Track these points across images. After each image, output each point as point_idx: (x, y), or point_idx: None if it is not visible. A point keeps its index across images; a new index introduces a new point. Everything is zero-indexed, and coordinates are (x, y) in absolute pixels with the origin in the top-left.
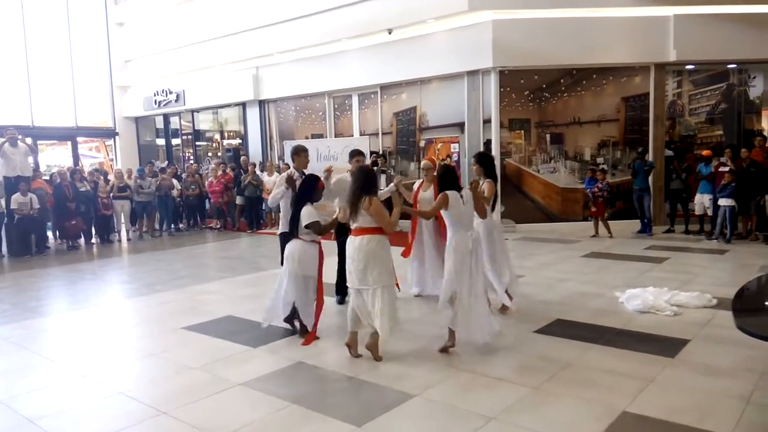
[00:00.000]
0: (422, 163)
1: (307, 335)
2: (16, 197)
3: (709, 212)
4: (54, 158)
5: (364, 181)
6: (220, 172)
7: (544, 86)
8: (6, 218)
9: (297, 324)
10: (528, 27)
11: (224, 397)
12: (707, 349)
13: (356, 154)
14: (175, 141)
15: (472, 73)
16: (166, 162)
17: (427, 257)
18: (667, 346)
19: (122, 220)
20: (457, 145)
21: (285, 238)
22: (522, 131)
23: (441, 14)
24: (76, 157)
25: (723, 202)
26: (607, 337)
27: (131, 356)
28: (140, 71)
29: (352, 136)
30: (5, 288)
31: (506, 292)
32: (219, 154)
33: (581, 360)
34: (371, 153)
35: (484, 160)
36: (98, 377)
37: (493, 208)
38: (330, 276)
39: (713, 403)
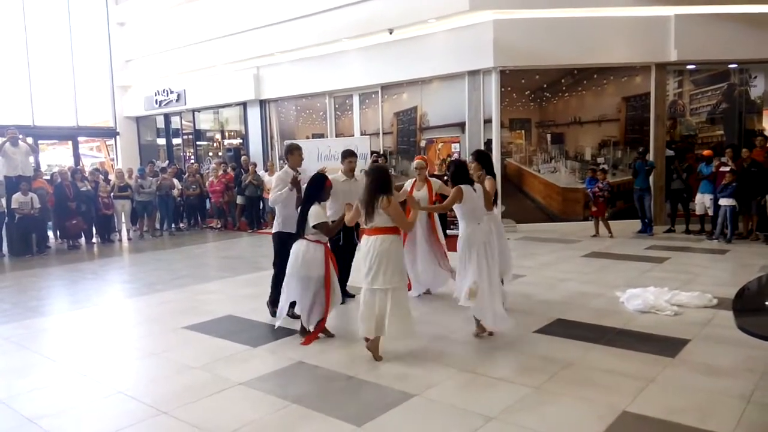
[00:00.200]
0: (415, 162)
1: (308, 335)
2: (17, 197)
3: (710, 212)
4: (55, 158)
5: (380, 180)
6: (220, 172)
7: (545, 86)
8: (7, 218)
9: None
10: (529, 27)
11: (224, 396)
12: (708, 348)
13: (348, 154)
14: (176, 141)
15: (472, 73)
16: (167, 162)
17: (419, 256)
18: (667, 345)
19: (123, 220)
20: (457, 145)
21: (279, 238)
22: (523, 131)
23: (442, 14)
24: (76, 157)
25: (724, 202)
26: (607, 336)
27: (132, 356)
28: (141, 71)
29: (353, 135)
30: (6, 287)
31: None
32: (220, 153)
33: (582, 360)
34: (372, 153)
35: (482, 157)
36: (99, 377)
37: (495, 204)
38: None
39: (714, 402)
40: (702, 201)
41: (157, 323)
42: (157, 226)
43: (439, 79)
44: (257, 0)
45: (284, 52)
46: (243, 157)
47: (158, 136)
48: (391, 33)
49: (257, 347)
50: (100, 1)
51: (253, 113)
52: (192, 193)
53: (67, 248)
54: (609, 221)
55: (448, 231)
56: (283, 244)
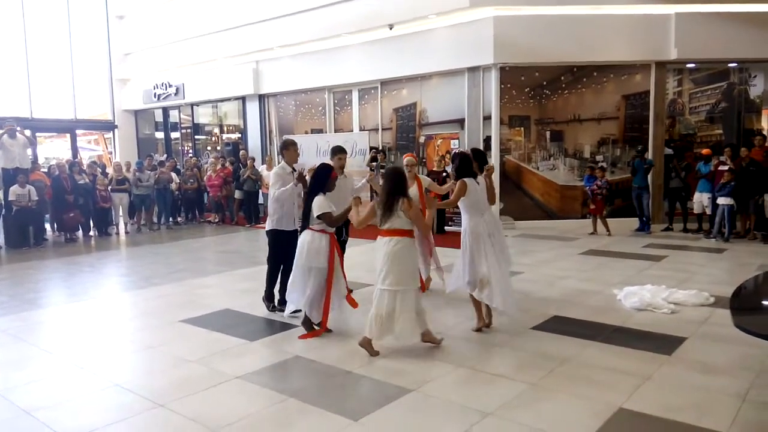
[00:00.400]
0: (405, 159)
1: (310, 331)
2: (15, 189)
3: (708, 211)
4: (53, 150)
5: (398, 181)
6: (219, 166)
7: (545, 83)
8: (4, 210)
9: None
10: (529, 24)
11: (221, 390)
12: (704, 347)
13: (338, 151)
14: (174, 134)
15: (472, 70)
16: (165, 155)
17: None
18: (664, 343)
19: (120, 213)
20: (457, 141)
21: (273, 236)
22: (522, 128)
23: (442, 10)
24: (74, 150)
25: (722, 200)
26: (604, 334)
27: (128, 349)
28: (140, 64)
29: (352, 131)
30: (3, 280)
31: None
32: (218, 148)
33: (578, 357)
34: (371, 149)
35: (477, 155)
36: (95, 369)
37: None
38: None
39: (710, 400)
40: (700, 200)
41: (154, 317)
42: (155, 219)
43: (438, 75)
44: None
45: (284, 47)
46: (241, 152)
47: (156, 130)
48: (391, 28)
49: (254, 341)
50: None
51: (252, 108)
52: (190, 187)
53: (64, 241)
54: (607, 219)
55: (445, 227)
56: (277, 241)
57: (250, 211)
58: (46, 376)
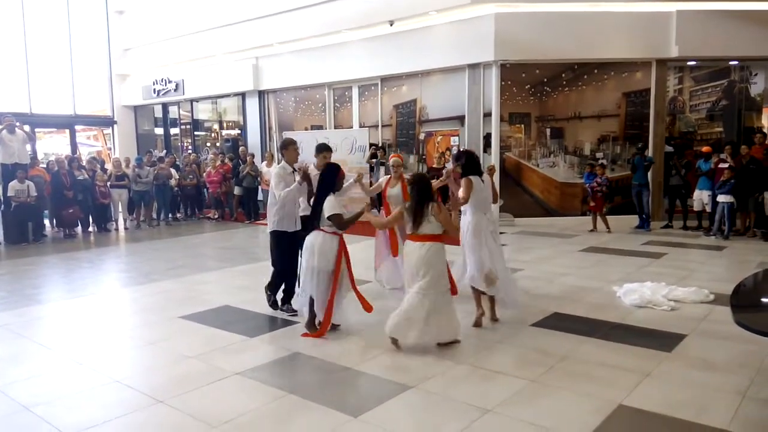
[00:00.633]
0: (391, 160)
1: (315, 331)
2: (14, 184)
3: (708, 208)
4: (52, 146)
5: (426, 188)
6: (218, 162)
7: (545, 80)
8: (3, 205)
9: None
10: (530, 21)
11: (221, 386)
12: (704, 344)
13: (323, 149)
14: (174, 130)
15: (473, 66)
16: (165, 151)
17: (384, 252)
18: (664, 340)
19: (120, 209)
20: (457, 138)
21: (276, 237)
22: (522, 125)
23: (443, 6)
24: (74, 146)
25: (722, 198)
26: (604, 331)
27: (128, 345)
28: (139, 60)
29: (352, 128)
30: (2, 275)
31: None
32: (218, 144)
33: (578, 353)
34: (371, 145)
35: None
36: (94, 365)
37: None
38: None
39: (710, 397)
40: (700, 197)
41: (154, 313)
42: (154, 215)
43: (439, 71)
44: None
45: (284, 43)
46: (241, 148)
47: (156, 126)
48: (391, 25)
49: (254, 337)
50: None
51: (252, 104)
52: (189, 183)
53: (63, 237)
54: (607, 216)
55: None
56: (280, 243)
57: (250, 208)
58: (45, 372)
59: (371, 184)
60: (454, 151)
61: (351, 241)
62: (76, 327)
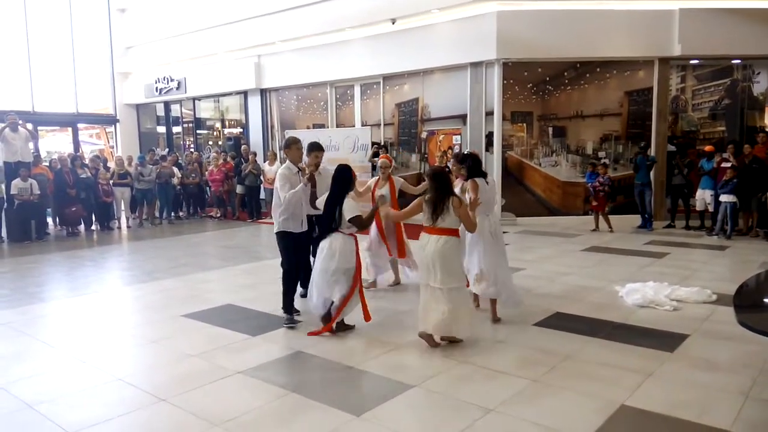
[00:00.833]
0: (379, 161)
1: (324, 326)
2: (17, 182)
3: (710, 208)
4: (54, 144)
5: (446, 181)
6: (221, 161)
7: (548, 79)
8: (6, 204)
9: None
10: (532, 19)
11: (223, 385)
12: (707, 344)
13: (314, 148)
14: (176, 129)
15: (475, 65)
16: (167, 150)
17: (374, 245)
18: (666, 340)
19: (122, 208)
20: (459, 137)
21: (282, 238)
22: (524, 124)
23: (445, 5)
24: (76, 144)
25: (724, 198)
26: (606, 330)
27: (130, 343)
28: (141, 58)
29: (354, 126)
30: (5, 273)
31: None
32: (220, 142)
33: (580, 353)
34: (372, 144)
35: (464, 161)
36: (97, 363)
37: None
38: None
39: (712, 398)
40: (702, 197)
41: (156, 311)
42: (157, 214)
43: (441, 70)
44: None
45: (286, 41)
46: (243, 147)
47: (158, 124)
48: (393, 23)
49: (256, 336)
50: None
51: (254, 102)
52: (191, 181)
53: (66, 235)
54: (609, 216)
55: None
56: (288, 244)
57: (252, 206)
58: (48, 370)
59: (376, 184)
60: (456, 149)
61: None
62: (78, 325)
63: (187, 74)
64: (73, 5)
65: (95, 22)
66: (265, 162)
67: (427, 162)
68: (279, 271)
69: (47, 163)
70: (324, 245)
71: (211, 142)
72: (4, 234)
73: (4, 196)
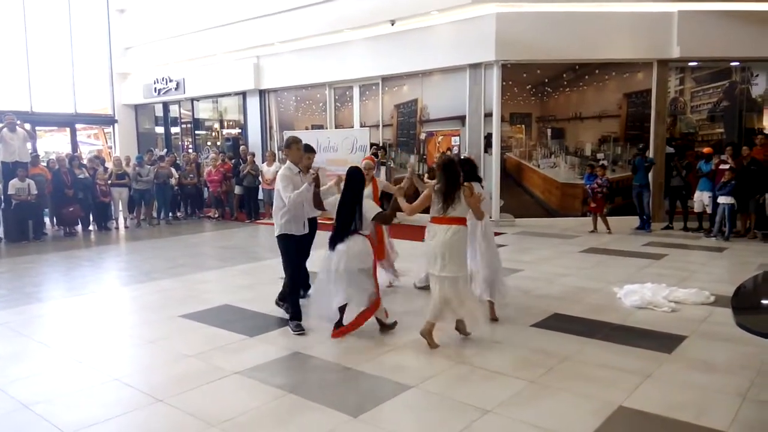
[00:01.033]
0: (363, 162)
1: (342, 327)
2: (14, 183)
3: (709, 210)
4: (52, 145)
5: (455, 171)
6: (219, 162)
7: (546, 81)
8: (3, 204)
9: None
10: (531, 21)
11: (220, 385)
12: (704, 345)
13: (306, 150)
14: (175, 129)
15: (474, 66)
16: (165, 150)
17: None
18: (664, 342)
19: (120, 208)
20: (457, 138)
21: (284, 241)
22: (523, 125)
23: (444, 6)
24: (74, 144)
25: (722, 199)
26: (604, 332)
27: (127, 343)
28: (140, 59)
29: (353, 127)
30: (2, 273)
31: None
32: (218, 143)
33: (578, 354)
34: (371, 145)
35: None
36: (94, 364)
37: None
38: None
39: (710, 399)
40: (701, 198)
41: (154, 311)
42: (155, 214)
43: (440, 71)
44: None
45: (285, 42)
46: (241, 147)
47: (156, 125)
48: (393, 24)
49: (253, 337)
50: None
51: (253, 103)
52: (189, 182)
53: (63, 235)
54: (607, 217)
55: None
56: (289, 247)
57: (250, 207)
58: (45, 370)
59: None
60: (455, 150)
61: None
62: (76, 325)
63: (185, 75)
64: (72, 5)
65: (94, 23)
66: (263, 163)
67: (426, 163)
68: (277, 272)
69: (45, 164)
70: (341, 248)
71: (209, 143)
72: (1, 234)
73: (2, 196)
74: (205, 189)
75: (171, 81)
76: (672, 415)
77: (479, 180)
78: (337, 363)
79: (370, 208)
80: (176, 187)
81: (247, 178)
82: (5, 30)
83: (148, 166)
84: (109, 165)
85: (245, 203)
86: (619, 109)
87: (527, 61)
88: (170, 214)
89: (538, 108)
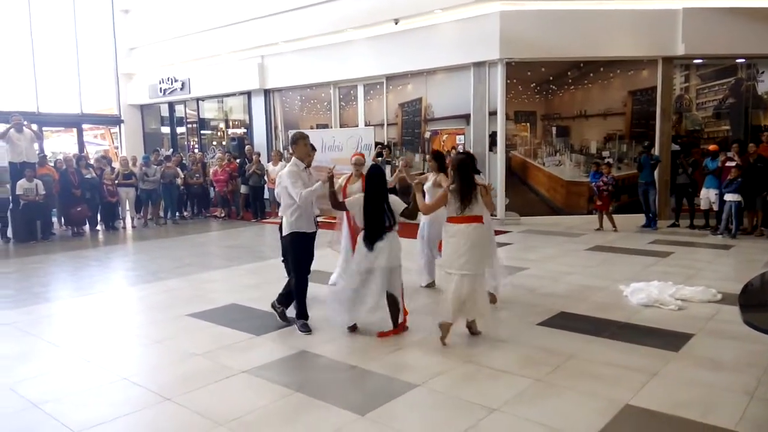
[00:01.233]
0: (353, 158)
1: (399, 325)
2: (22, 183)
3: (715, 207)
4: (59, 145)
5: (470, 171)
6: (225, 161)
7: (551, 78)
8: (11, 204)
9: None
10: (535, 18)
11: (228, 384)
12: (711, 343)
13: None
14: (180, 129)
15: (478, 65)
16: (171, 150)
17: (345, 248)
18: (671, 340)
19: (127, 208)
20: (462, 136)
21: (294, 240)
22: (528, 124)
23: (448, 5)
24: (81, 144)
25: (729, 197)
26: (610, 330)
27: (135, 343)
28: (145, 59)
29: (357, 126)
30: (11, 273)
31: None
32: (224, 143)
33: (584, 353)
34: (376, 144)
35: (438, 157)
36: (102, 363)
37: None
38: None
39: (717, 397)
40: (707, 196)
41: (161, 311)
42: (161, 214)
43: (444, 70)
44: None
45: (289, 42)
46: (247, 147)
47: (162, 125)
48: (396, 23)
49: (260, 336)
50: None
51: (258, 103)
52: (195, 182)
53: (71, 235)
54: (613, 215)
55: None
56: (299, 246)
57: (256, 206)
58: (54, 370)
59: (348, 180)
60: (460, 149)
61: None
62: (83, 325)
63: (191, 75)
64: (77, 6)
65: (99, 23)
66: (269, 162)
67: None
68: (283, 271)
69: (53, 164)
70: (382, 245)
71: (215, 143)
72: (9, 234)
73: (10, 197)
74: (211, 188)
75: (176, 81)
76: (679, 414)
77: (478, 172)
78: (343, 362)
79: (397, 203)
80: (182, 187)
81: (252, 178)
82: (11, 31)
83: (155, 166)
84: (116, 165)
85: (251, 202)
86: (624, 106)
87: (532, 59)
88: (177, 214)
89: (543, 106)
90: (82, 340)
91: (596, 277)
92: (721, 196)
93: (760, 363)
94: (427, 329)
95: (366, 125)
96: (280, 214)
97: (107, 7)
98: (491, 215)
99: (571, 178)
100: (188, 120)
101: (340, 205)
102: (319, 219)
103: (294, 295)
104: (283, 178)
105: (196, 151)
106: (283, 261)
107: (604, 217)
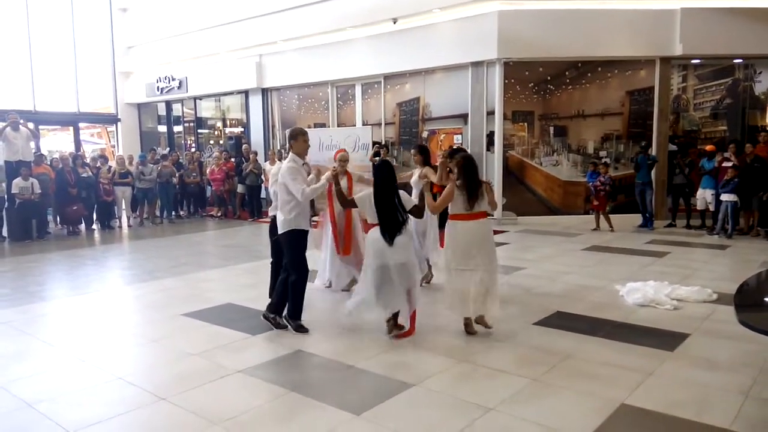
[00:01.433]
0: (338, 155)
1: (412, 323)
2: (18, 181)
3: (711, 207)
4: (56, 144)
5: (475, 168)
6: (222, 160)
7: (549, 78)
8: (7, 202)
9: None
10: (534, 18)
11: (223, 383)
12: (707, 343)
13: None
14: (177, 128)
15: (476, 64)
16: (168, 149)
17: (329, 249)
18: (666, 339)
19: (123, 207)
20: (460, 136)
21: (292, 238)
22: (525, 123)
23: (446, 4)
24: (77, 143)
25: (725, 197)
26: (606, 329)
27: (131, 342)
28: (143, 57)
29: (355, 125)
30: (6, 272)
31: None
32: (221, 142)
33: (580, 352)
34: (374, 143)
35: (423, 150)
36: (98, 362)
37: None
38: None
39: (712, 397)
40: (703, 196)
41: (157, 310)
42: (158, 213)
43: (442, 69)
44: None
45: (287, 41)
46: (244, 146)
47: (159, 124)
48: (395, 23)
49: (256, 335)
50: None
51: (255, 102)
52: (192, 181)
53: (67, 234)
54: (610, 215)
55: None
56: (297, 243)
57: (253, 206)
58: (48, 369)
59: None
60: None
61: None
62: (79, 324)
63: (188, 73)
64: (74, 4)
65: (97, 22)
66: (266, 161)
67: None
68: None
69: (49, 163)
70: (403, 240)
71: (212, 142)
72: (5, 233)
73: (5, 195)
74: (208, 187)
75: (174, 80)
76: (674, 413)
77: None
78: (339, 361)
79: (407, 200)
80: (179, 186)
81: (249, 177)
82: (8, 29)
83: (151, 165)
84: (113, 164)
85: (248, 202)
86: (622, 106)
87: (529, 58)
88: (173, 213)
89: (541, 106)
90: (78, 340)
91: (593, 277)
92: (717, 196)
93: (756, 363)
94: (425, 328)
95: (364, 124)
96: (271, 212)
97: (105, 6)
98: (488, 215)
99: (569, 178)
100: (185, 119)
101: (349, 203)
102: (313, 219)
103: (292, 294)
104: (281, 175)
105: (193, 149)
106: (271, 263)
107: (601, 217)
